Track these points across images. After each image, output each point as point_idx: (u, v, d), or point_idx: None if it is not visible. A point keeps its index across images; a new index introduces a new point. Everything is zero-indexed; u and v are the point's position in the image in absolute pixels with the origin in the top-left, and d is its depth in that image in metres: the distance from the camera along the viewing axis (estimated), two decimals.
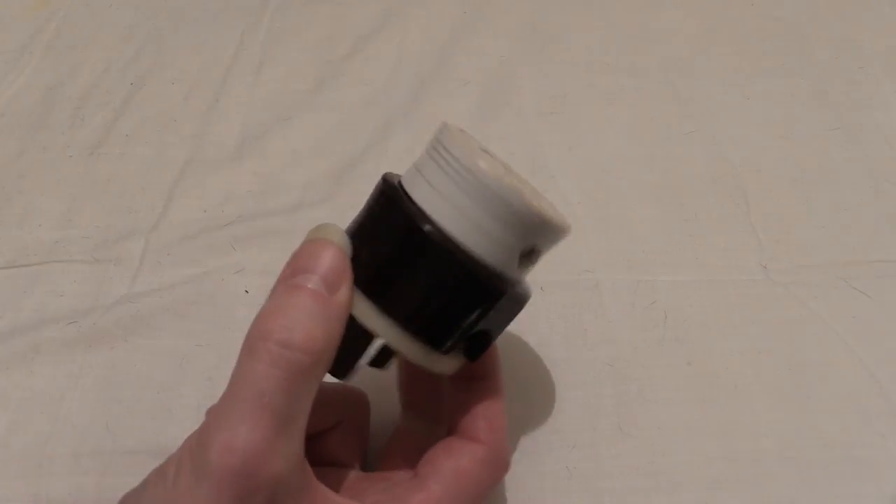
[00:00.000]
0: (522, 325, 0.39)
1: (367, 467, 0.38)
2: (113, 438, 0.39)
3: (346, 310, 0.28)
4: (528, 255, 0.30)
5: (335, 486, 0.31)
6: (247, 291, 0.44)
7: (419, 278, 0.28)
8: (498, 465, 0.32)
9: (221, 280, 0.45)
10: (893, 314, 0.43)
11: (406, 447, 0.36)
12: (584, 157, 0.51)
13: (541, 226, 0.29)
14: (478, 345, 0.31)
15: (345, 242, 0.29)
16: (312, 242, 0.29)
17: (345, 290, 0.28)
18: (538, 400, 0.40)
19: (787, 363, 0.41)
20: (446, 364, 0.31)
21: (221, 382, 0.40)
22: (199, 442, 0.26)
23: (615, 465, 0.38)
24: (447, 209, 0.28)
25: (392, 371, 0.33)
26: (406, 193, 0.29)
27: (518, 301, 0.30)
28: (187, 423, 0.40)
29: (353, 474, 0.34)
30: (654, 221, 0.47)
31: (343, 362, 0.29)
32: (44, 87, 0.56)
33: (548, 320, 0.43)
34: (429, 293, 0.28)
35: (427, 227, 0.27)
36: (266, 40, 0.59)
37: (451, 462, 0.31)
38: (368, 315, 0.29)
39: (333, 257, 0.28)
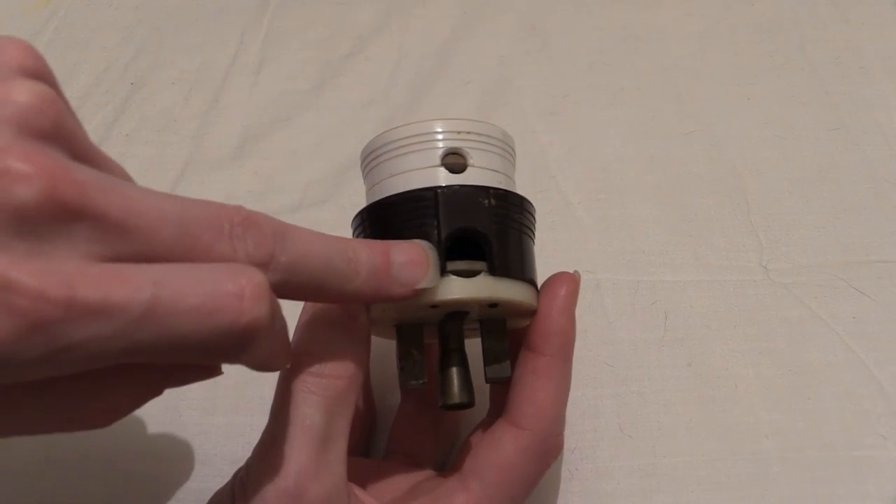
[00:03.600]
0: None
1: (372, 451, 0.38)
2: (117, 441, 0.39)
3: (367, 330, 0.30)
4: (453, 156, 0.31)
5: (364, 479, 0.31)
6: None
7: (391, 238, 0.30)
8: (545, 454, 0.31)
9: None
10: (893, 314, 0.43)
11: (410, 429, 0.37)
12: (584, 157, 0.51)
13: (413, 137, 0.31)
14: (477, 248, 0.30)
15: None
16: None
17: (363, 314, 0.29)
18: None
19: (787, 363, 0.42)
20: (479, 285, 0.30)
21: (224, 384, 0.41)
22: (249, 471, 0.27)
23: (616, 466, 0.38)
24: (371, 191, 0.33)
25: (391, 356, 0.33)
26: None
27: (456, 193, 0.30)
28: (191, 426, 0.40)
29: (376, 465, 0.34)
30: (654, 221, 0.47)
31: (416, 365, 0.31)
32: None
33: None
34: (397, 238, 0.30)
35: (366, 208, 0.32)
36: (266, 40, 0.58)
37: (494, 455, 0.30)
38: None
39: None
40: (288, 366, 0.27)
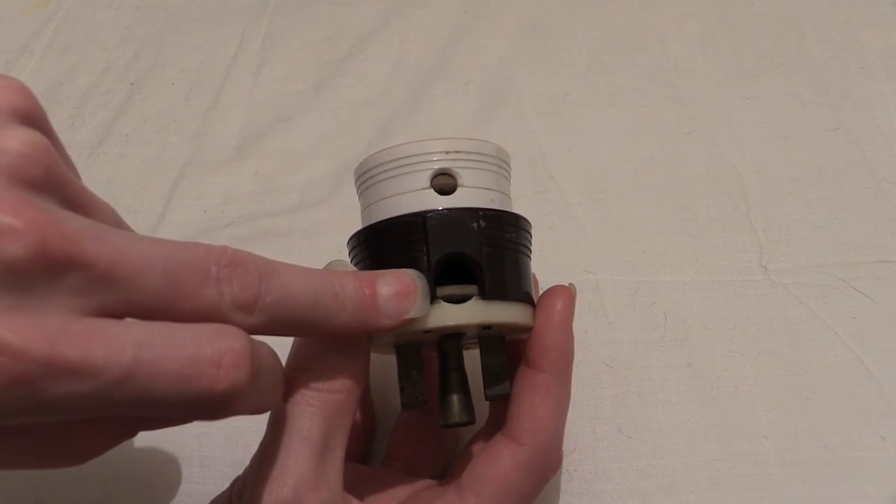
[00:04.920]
0: None
1: (371, 456, 0.38)
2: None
3: (366, 345, 0.30)
4: (443, 177, 0.31)
5: (362, 487, 0.32)
6: None
7: (380, 264, 0.30)
8: (544, 469, 0.31)
9: None
10: (893, 314, 0.43)
11: (410, 437, 0.37)
12: (584, 157, 0.51)
13: (402, 159, 0.31)
14: (469, 272, 0.30)
15: None
16: None
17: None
18: None
19: (786, 364, 0.42)
20: (470, 310, 0.30)
21: None
22: (246, 481, 0.27)
23: (615, 467, 0.38)
24: (364, 212, 0.33)
25: (392, 362, 0.33)
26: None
27: (445, 218, 0.30)
28: (192, 428, 0.40)
29: (374, 473, 0.35)
30: (654, 221, 0.47)
31: (416, 385, 0.31)
32: (44, 87, 0.56)
33: None
34: (386, 265, 0.30)
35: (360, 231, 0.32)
36: (266, 40, 0.58)
37: (492, 470, 0.30)
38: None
39: None
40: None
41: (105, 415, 0.22)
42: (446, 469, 0.37)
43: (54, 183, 0.22)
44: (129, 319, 0.22)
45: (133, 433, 0.27)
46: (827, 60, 0.55)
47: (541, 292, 0.33)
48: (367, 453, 0.39)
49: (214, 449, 0.39)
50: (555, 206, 0.48)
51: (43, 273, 0.20)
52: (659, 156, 0.51)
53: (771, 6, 0.59)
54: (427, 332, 0.30)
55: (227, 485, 0.28)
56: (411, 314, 0.28)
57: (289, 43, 0.58)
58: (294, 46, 0.58)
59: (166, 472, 0.39)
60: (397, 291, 0.28)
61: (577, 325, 0.43)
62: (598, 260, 0.46)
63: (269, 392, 0.25)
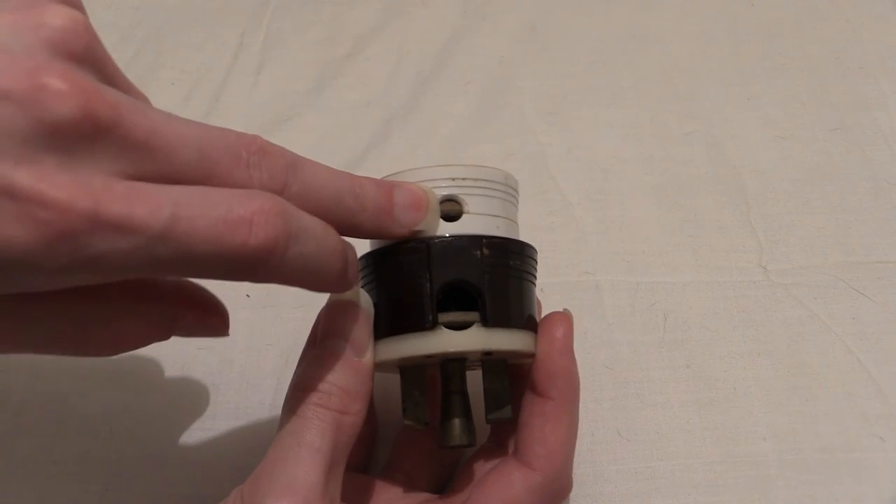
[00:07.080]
0: None
1: (372, 465, 0.38)
2: (117, 443, 0.40)
3: (372, 367, 0.30)
4: (449, 203, 0.31)
5: (363, 497, 0.32)
6: (248, 296, 0.44)
7: (386, 289, 0.31)
8: (554, 496, 0.32)
9: (222, 284, 0.45)
10: (893, 315, 0.43)
11: (412, 448, 0.37)
12: (584, 157, 0.51)
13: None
14: (471, 300, 0.31)
15: (368, 303, 0.31)
16: (339, 305, 0.31)
17: (370, 351, 0.30)
18: None
19: (786, 365, 0.42)
20: (471, 338, 0.30)
21: (224, 389, 0.41)
22: (254, 490, 0.27)
23: (614, 469, 0.38)
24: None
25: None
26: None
27: (448, 245, 0.30)
28: (192, 431, 0.40)
29: (376, 484, 0.35)
30: (654, 222, 0.47)
31: (418, 406, 0.32)
32: None
33: None
34: (391, 290, 0.31)
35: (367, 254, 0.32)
36: (266, 40, 0.58)
37: (503, 493, 0.30)
38: (384, 350, 0.31)
39: (360, 322, 0.30)
40: (351, 288, 0.29)
41: (150, 275, 0.23)
42: (447, 483, 0.37)
43: (94, 59, 0.23)
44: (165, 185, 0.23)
45: (165, 334, 0.29)
46: (827, 60, 0.55)
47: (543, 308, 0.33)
48: (367, 462, 0.39)
49: (216, 453, 0.39)
50: (555, 206, 0.48)
51: (87, 135, 0.21)
52: (659, 156, 0.51)
53: (771, 6, 0.59)
54: (429, 357, 0.30)
55: (227, 490, 0.28)
56: (420, 227, 0.30)
57: (289, 43, 0.58)
58: (294, 46, 0.58)
59: (168, 475, 0.39)
60: (411, 203, 0.29)
61: (577, 326, 0.43)
62: (597, 260, 0.46)
63: (315, 257, 0.25)
